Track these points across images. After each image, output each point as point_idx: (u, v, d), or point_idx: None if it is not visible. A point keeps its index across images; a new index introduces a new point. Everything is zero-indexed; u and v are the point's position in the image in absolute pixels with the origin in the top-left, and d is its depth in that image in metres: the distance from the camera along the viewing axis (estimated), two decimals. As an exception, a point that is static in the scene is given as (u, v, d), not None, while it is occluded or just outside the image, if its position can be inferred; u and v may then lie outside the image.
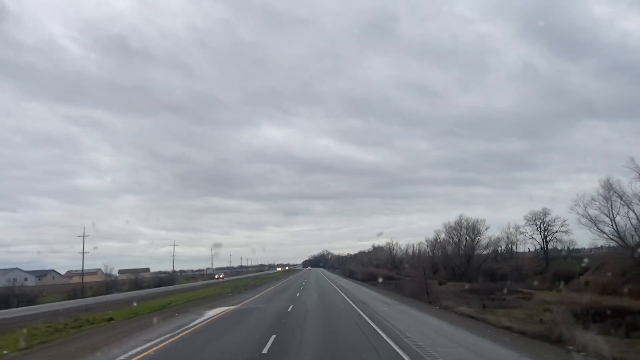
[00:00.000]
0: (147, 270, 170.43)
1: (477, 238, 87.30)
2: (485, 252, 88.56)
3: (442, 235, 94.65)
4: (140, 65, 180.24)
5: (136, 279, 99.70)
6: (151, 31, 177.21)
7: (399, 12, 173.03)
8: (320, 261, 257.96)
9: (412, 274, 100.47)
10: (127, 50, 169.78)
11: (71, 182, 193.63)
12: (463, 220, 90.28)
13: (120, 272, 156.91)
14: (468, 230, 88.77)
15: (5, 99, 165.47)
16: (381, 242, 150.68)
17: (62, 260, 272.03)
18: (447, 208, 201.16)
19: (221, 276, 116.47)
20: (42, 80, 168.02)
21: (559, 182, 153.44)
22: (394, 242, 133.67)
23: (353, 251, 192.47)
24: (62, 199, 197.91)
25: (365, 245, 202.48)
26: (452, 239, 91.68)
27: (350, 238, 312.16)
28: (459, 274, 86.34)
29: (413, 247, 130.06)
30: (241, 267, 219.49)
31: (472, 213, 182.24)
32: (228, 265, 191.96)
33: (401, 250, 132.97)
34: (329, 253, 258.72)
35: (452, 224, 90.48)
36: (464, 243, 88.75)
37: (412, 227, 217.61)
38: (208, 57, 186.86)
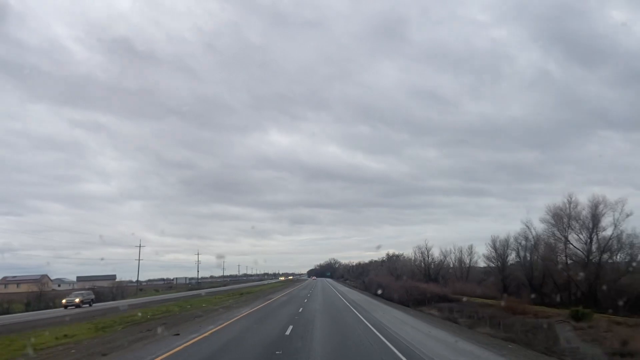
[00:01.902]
0: (113, 277, 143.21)
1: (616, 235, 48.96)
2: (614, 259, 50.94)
3: (538, 228, 56.34)
4: (145, 68, 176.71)
5: (40, 294, 63.92)
6: (157, 33, 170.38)
7: (410, 15, 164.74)
8: (328, 270, 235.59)
9: (477, 293, 62.82)
10: (133, 52, 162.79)
11: (77, 186, 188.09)
12: (572, 203, 52.87)
13: (79, 279, 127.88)
14: (586, 222, 51.03)
15: (10, 101, 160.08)
16: (404, 250, 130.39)
17: (70, 266, 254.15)
18: (455, 219, 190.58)
19: (77, 300, 50.15)
20: (47, 83, 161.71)
21: (572, 195, 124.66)
22: (428, 245, 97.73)
23: (361, 261, 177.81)
24: (67, 203, 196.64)
25: (371, 256, 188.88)
26: (555, 233, 54.12)
27: (357, 248, 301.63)
28: (578, 295, 48.63)
29: (461, 252, 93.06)
30: (245, 275, 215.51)
31: (480, 225, 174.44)
32: (222, 273, 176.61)
33: (442, 258, 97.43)
34: (336, 262, 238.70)
35: (558, 207, 52.73)
36: (587, 241, 50.65)
37: (419, 238, 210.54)
38: (214, 60, 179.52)
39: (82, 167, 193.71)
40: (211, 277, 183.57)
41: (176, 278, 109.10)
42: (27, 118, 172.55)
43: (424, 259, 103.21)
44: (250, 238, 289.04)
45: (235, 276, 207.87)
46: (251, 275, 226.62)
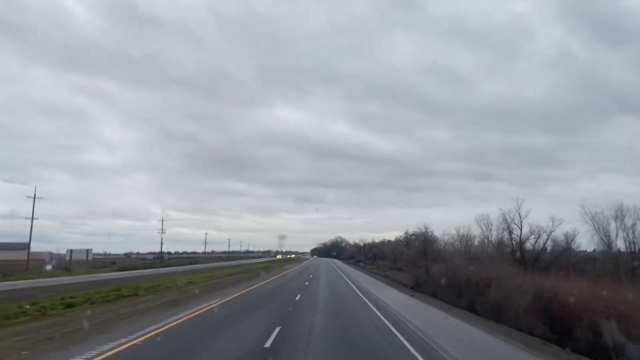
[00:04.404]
0: (24, 246, 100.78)
1: None
2: None
3: None
4: (149, 34, 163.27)
5: None
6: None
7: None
8: (333, 249, 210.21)
9: None
10: (136, 15, 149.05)
11: (81, 156, 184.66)
12: None
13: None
14: None
15: (9, 64, 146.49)
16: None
17: (75, 236, 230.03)
18: (463, 204, 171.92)
19: None
20: (47, 45, 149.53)
21: (584, 182, 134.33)
22: (520, 209, 54.36)
23: (374, 239, 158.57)
24: (71, 173, 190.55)
25: (376, 237, 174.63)
26: None
27: (362, 229, 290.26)
28: None
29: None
30: (246, 252, 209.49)
31: (488, 210, 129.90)
32: (226, 249, 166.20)
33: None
34: (343, 240, 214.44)
35: None
36: None
37: (424, 222, 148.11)
38: (220, 27, 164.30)
39: (85, 136, 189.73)
40: (212, 252, 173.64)
41: (88, 250, 63.51)
42: (28, 82, 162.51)
43: (510, 235, 58.05)
44: (255, 215, 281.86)
45: (233, 252, 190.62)
46: (251, 252, 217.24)
